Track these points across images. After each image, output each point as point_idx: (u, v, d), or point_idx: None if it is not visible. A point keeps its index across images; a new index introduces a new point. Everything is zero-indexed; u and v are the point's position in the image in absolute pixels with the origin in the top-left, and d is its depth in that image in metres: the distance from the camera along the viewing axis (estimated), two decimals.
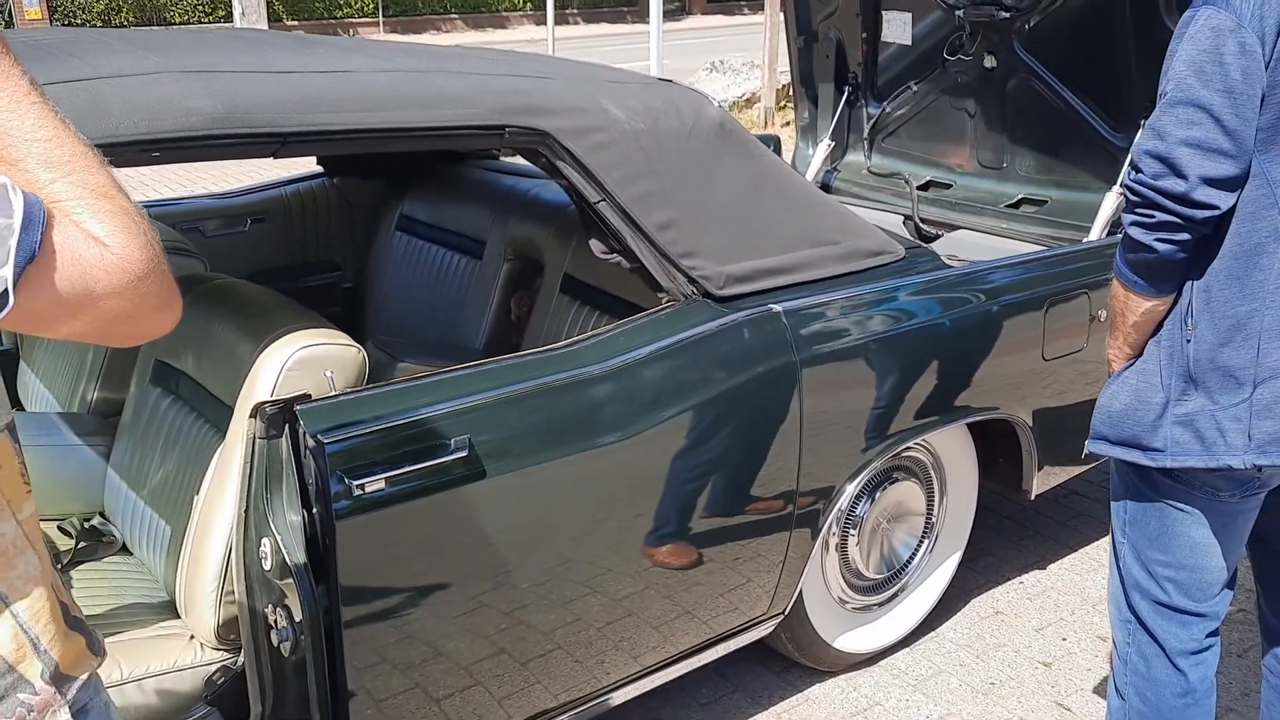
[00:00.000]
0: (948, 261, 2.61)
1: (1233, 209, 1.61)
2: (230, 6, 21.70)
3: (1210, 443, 1.68)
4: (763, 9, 10.14)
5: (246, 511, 1.78)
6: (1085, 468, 2.93)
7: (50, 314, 0.88)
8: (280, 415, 1.72)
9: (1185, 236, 1.60)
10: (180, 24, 21.47)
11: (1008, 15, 3.49)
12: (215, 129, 1.66)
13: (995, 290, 2.56)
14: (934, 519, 2.74)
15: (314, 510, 1.71)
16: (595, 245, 2.20)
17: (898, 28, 3.99)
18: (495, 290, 3.04)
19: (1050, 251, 2.86)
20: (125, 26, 20.84)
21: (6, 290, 0.83)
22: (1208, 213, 1.58)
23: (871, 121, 4.15)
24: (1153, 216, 1.60)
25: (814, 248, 2.33)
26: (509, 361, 1.95)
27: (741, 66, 11.27)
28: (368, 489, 1.69)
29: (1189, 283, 1.68)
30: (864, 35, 4.05)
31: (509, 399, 1.88)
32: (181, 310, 1.00)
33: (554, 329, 2.77)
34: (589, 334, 2.08)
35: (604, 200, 2.07)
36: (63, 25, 20.20)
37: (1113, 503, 1.94)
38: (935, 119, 3.96)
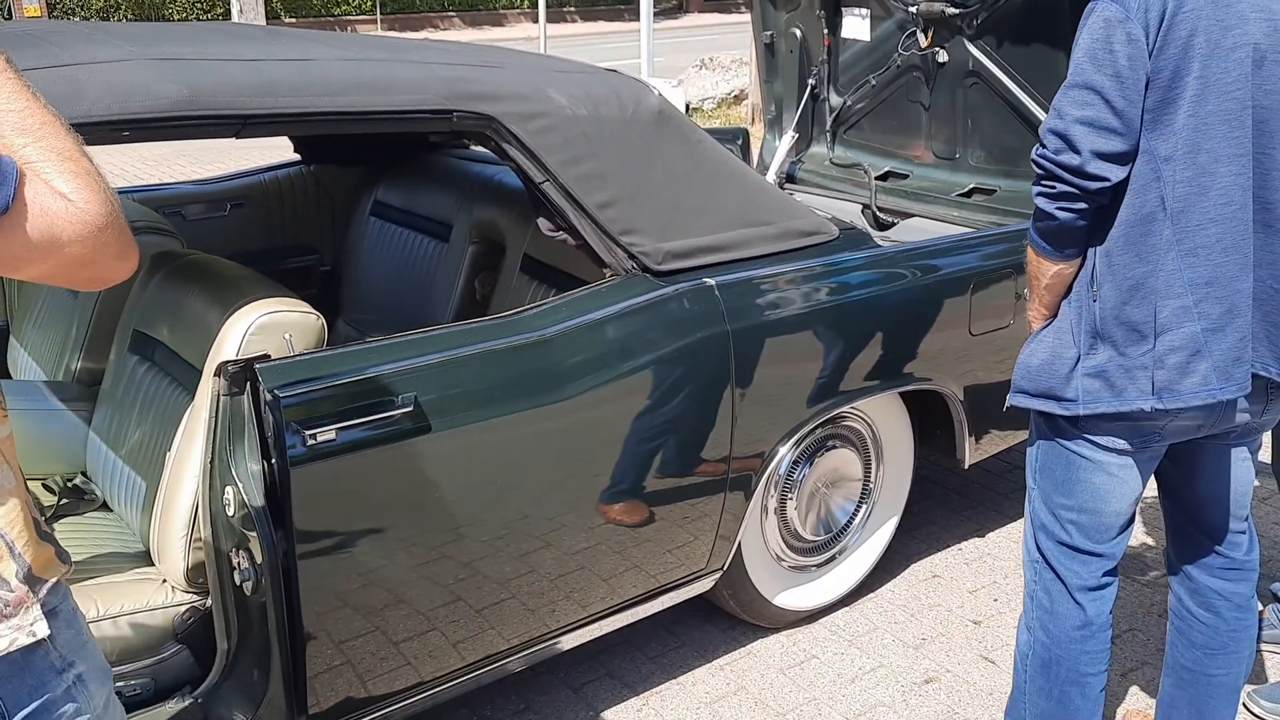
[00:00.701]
0: (879, 241, 2.77)
1: (1126, 183, 1.79)
2: (229, 4, 21.88)
3: (1120, 390, 1.86)
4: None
5: (212, 463, 1.94)
6: (1016, 439, 3.10)
7: (23, 257, 1.05)
8: (242, 374, 1.89)
9: (1082, 205, 1.79)
10: (180, 21, 21.67)
11: (958, 12, 3.66)
12: (181, 110, 1.83)
13: (923, 268, 2.72)
14: (871, 485, 2.91)
15: (272, 460, 1.88)
16: (543, 223, 2.37)
17: (857, 25, 4.15)
18: (461, 272, 3.20)
19: (977, 233, 3.02)
20: (126, 23, 20.98)
21: None
22: (1099, 184, 1.76)
23: (833, 115, 4.32)
24: (1054, 187, 1.80)
25: (749, 228, 2.50)
26: (455, 328, 2.12)
27: (730, 64, 11.43)
28: (319, 439, 1.85)
29: (1092, 249, 1.87)
30: (825, 32, 4.21)
31: (453, 361, 2.04)
32: (138, 261, 1.17)
33: (514, 307, 2.93)
34: (533, 304, 2.25)
35: (548, 181, 2.23)
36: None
37: (1028, 452, 2.12)
38: (893, 112, 4.12)
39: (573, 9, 24.05)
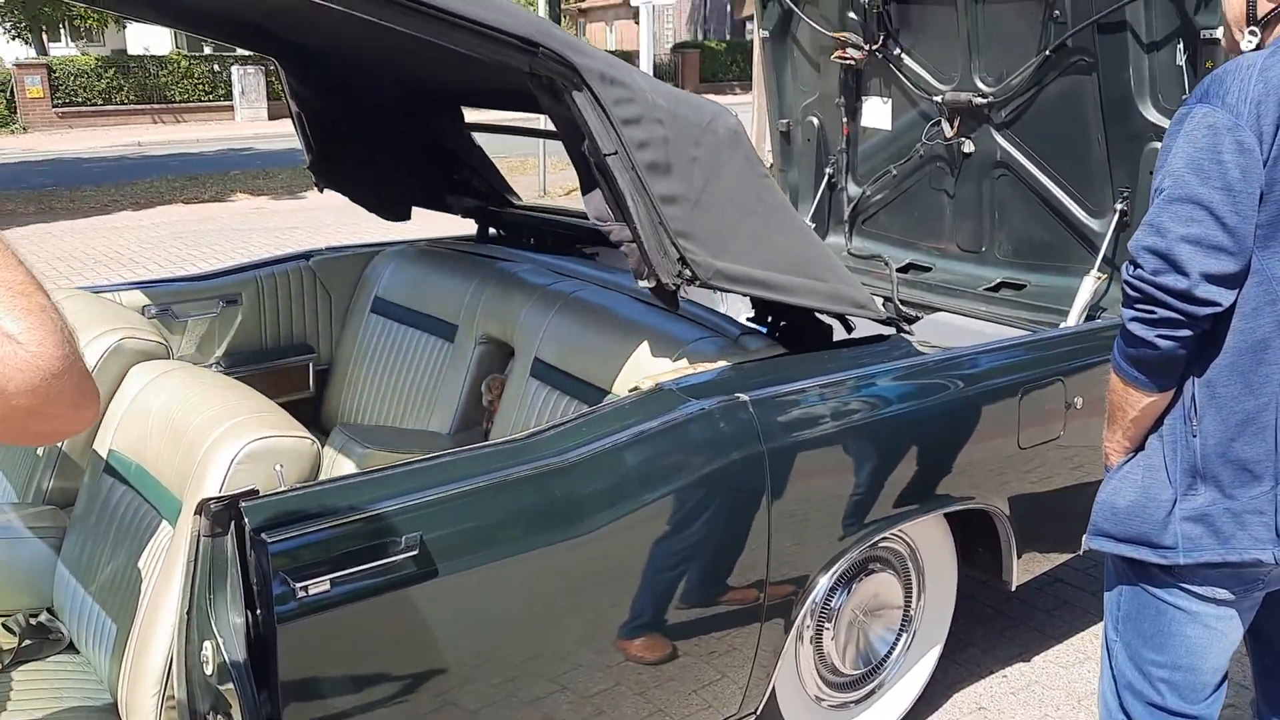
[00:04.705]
0: (920, 347, 2.57)
1: (1233, 305, 1.59)
2: (230, 86, 22.07)
3: (1227, 536, 1.65)
4: (752, 89, 10.29)
5: (190, 612, 1.71)
6: (1067, 556, 2.87)
7: None
8: (225, 512, 1.67)
9: (1186, 333, 1.59)
10: (181, 102, 21.80)
11: (985, 101, 3.53)
12: None
13: (968, 378, 2.52)
14: (912, 612, 2.67)
15: (257, 612, 1.65)
16: (591, 206, 2.18)
17: (878, 113, 4.03)
18: (467, 374, 3.01)
19: (1024, 338, 2.83)
20: (126, 105, 21.14)
21: None
22: (1210, 309, 1.57)
23: (852, 204, 4.17)
24: (1154, 312, 1.59)
25: (803, 277, 2.33)
26: (465, 454, 1.90)
27: None
28: (311, 591, 1.63)
29: (1191, 378, 1.66)
30: (845, 120, 4.09)
31: (464, 494, 1.82)
32: (99, 408, 0.98)
33: (524, 414, 2.73)
34: (550, 424, 2.04)
35: (617, 154, 2.05)
36: (63, 104, 20.48)
37: (1106, 598, 1.89)
38: (915, 202, 3.98)
39: None
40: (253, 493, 1.70)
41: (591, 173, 2.13)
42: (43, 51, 22.77)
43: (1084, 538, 1.82)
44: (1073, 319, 3.16)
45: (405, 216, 3.54)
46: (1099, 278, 3.22)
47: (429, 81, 3.15)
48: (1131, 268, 1.60)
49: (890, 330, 2.64)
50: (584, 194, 2.21)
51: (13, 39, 22.57)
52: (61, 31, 27.70)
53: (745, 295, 2.32)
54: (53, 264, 8.38)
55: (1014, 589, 2.75)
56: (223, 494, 1.74)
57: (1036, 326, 3.23)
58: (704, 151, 2.18)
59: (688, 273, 2.16)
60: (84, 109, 20.70)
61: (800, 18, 4.00)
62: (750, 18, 4.56)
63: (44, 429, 0.94)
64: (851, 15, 3.81)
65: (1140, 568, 1.77)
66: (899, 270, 3.87)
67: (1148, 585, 1.77)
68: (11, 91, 20.20)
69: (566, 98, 2.00)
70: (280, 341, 3.37)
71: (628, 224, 2.13)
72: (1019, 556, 2.70)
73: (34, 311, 0.91)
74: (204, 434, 1.93)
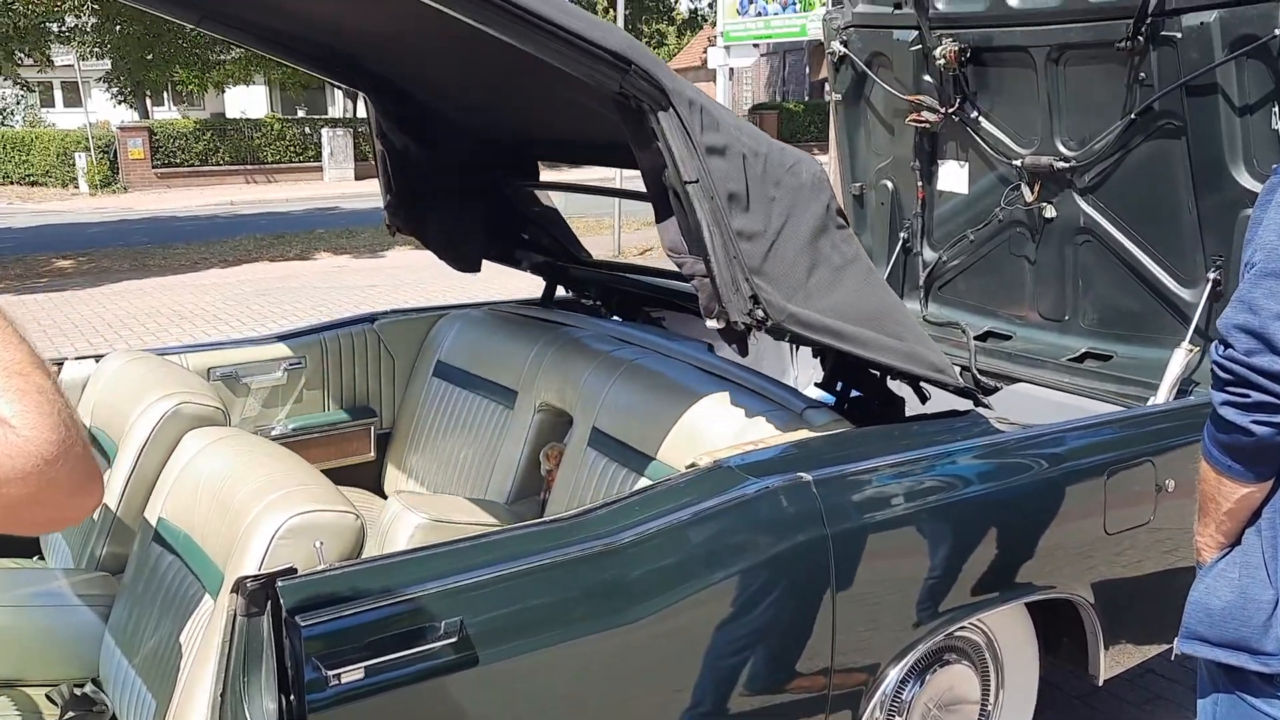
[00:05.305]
0: (997, 424, 2.44)
1: None
2: (320, 148, 22.75)
3: None
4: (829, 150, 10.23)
5: (224, 694, 1.65)
6: (1160, 649, 2.68)
7: None
8: (262, 591, 1.61)
9: None
10: (273, 163, 22.53)
11: (1067, 165, 3.40)
12: None
13: (1050, 458, 2.38)
14: (990, 706, 2.50)
15: (290, 698, 1.59)
16: (666, 237, 2.13)
17: (954, 177, 3.92)
18: (526, 442, 2.95)
19: (1110, 415, 2.67)
20: (221, 166, 21.92)
21: None
22: None
23: (927, 269, 4.05)
24: (1248, 396, 1.46)
25: (879, 333, 2.23)
26: (509, 534, 1.83)
27: None
28: (344, 679, 1.56)
29: None
30: (920, 184, 3.98)
31: (508, 576, 1.74)
32: (101, 494, 0.93)
33: (581, 486, 2.66)
34: (601, 503, 1.96)
35: (699, 182, 1.99)
36: (163, 165, 21.31)
37: (1200, 706, 1.73)
38: (993, 268, 3.84)
39: None
40: (290, 571, 1.64)
41: (668, 202, 2.08)
42: (145, 115, 23.78)
43: (1175, 641, 1.67)
44: (1163, 394, 2.99)
45: (475, 268, 3.51)
46: (1191, 350, 3.05)
47: (512, 130, 3.15)
48: (1221, 348, 1.47)
49: (966, 405, 2.51)
50: (659, 223, 2.15)
51: (119, 103, 23.64)
52: (164, 96, 28.91)
53: (816, 344, 2.23)
54: (142, 320, 8.62)
55: (1101, 683, 2.56)
56: (260, 572, 1.69)
57: (1123, 400, 3.07)
58: (784, 193, 2.13)
59: (759, 312, 2.08)
60: (182, 169, 21.50)
61: (874, 80, 3.93)
62: (827, 79, 4.53)
63: (40, 518, 0.90)
64: (927, 78, 3.72)
65: (1238, 675, 1.61)
66: (977, 338, 3.73)
67: (1246, 694, 1.61)
68: (115, 153, 21.10)
69: (652, 119, 1.97)
70: (343, 405, 3.36)
71: (702, 256, 2.07)
72: (1107, 649, 2.52)
73: (29, 393, 0.87)
74: (248, 506, 1.89)
